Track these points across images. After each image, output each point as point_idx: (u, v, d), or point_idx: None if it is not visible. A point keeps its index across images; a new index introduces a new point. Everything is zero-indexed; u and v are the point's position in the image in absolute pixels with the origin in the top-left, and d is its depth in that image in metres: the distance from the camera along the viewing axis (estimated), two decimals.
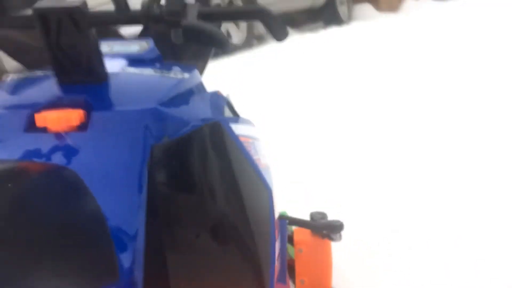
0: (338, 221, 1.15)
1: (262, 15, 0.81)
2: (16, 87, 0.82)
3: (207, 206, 0.75)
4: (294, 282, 1.19)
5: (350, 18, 7.34)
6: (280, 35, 0.83)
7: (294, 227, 1.21)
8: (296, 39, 4.78)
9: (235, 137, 0.82)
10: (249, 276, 0.78)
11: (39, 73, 0.86)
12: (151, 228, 0.67)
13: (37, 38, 0.76)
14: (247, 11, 0.83)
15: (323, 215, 1.19)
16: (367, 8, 7.61)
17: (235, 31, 4.82)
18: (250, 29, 4.96)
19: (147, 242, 0.66)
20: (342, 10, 7.24)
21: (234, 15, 0.85)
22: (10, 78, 0.85)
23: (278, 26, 0.82)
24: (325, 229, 1.15)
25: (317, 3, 6.67)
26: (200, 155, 0.76)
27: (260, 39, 5.13)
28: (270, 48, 4.45)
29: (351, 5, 7.58)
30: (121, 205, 0.66)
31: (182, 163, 0.73)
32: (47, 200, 0.60)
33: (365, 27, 5.65)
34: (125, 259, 0.62)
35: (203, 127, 0.77)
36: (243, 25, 4.84)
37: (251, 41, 4.93)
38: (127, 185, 0.68)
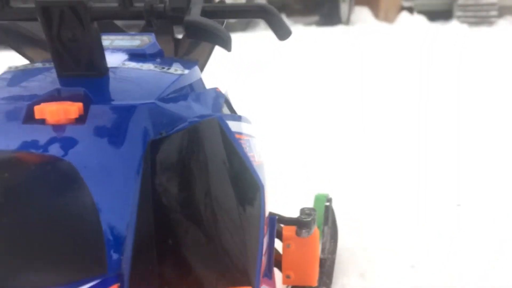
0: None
1: (266, 13, 0.81)
2: (16, 79, 0.82)
3: (199, 201, 0.77)
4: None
5: (348, 20, 7.14)
6: (283, 35, 0.83)
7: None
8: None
9: (232, 134, 0.83)
10: (236, 270, 0.80)
11: (39, 65, 0.87)
12: (142, 221, 0.69)
13: (39, 31, 0.77)
14: (251, 9, 0.83)
15: (311, 211, 1.20)
16: (366, 13, 7.49)
17: None
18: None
19: (136, 235, 0.67)
20: (343, 8, 6.99)
21: (238, 13, 0.85)
22: (10, 69, 0.86)
23: (282, 25, 0.82)
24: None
25: None
26: (196, 151, 0.77)
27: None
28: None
29: (352, 6, 7.31)
30: (114, 198, 0.67)
31: (178, 159, 0.75)
32: (42, 191, 0.61)
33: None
34: (114, 251, 0.63)
35: (200, 123, 0.78)
36: None
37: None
38: (121, 179, 0.69)
